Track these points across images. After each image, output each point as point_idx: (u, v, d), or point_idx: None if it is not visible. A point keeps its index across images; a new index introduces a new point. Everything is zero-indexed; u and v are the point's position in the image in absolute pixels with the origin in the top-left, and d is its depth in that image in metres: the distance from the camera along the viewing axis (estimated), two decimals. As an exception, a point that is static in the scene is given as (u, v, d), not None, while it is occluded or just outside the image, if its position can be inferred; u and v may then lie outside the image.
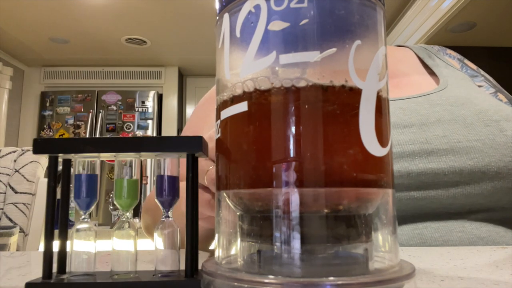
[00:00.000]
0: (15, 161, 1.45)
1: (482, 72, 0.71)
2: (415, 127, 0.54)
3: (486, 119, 0.54)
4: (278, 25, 0.24)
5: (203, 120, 0.66)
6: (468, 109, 0.56)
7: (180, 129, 4.73)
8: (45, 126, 4.48)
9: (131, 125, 4.47)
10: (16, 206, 1.40)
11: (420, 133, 0.53)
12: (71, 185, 0.27)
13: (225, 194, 0.26)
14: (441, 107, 0.56)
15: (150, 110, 4.54)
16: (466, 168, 0.50)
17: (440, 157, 0.51)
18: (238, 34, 0.25)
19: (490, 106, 0.57)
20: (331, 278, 0.21)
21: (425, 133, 0.53)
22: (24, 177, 1.43)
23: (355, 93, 0.23)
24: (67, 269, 0.27)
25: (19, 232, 1.37)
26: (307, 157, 0.22)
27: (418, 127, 0.54)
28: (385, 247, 0.25)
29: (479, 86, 0.65)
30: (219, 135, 0.27)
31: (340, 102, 0.23)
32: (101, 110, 4.50)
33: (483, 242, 0.49)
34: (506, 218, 0.52)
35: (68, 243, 0.26)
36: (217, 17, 0.28)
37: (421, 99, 0.58)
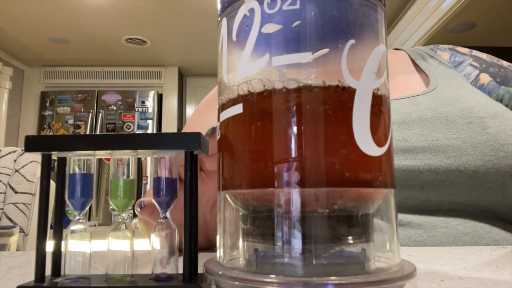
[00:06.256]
0: (15, 161, 1.45)
1: (474, 52, 0.69)
2: (395, 125, 0.54)
3: (470, 116, 0.54)
4: (271, 28, 0.24)
5: (199, 122, 0.67)
6: (453, 106, 0.55)
7: (180, 129, 4.73)
8: (45, 126, 4.48)
9: (131, 125, 4.48)
10: (16, 206, 1.40)
11: (398, 131, 0.53)
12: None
13: (226, 194, 0.26)
14: (424, 105, 0.56)
15: (150, 110, 4.54)
16: (442, 166, 0.50)
17: (416, 155, 0.51)
18: (234, 37, 0.26)
19: (477, 103, 0.56)
20: (333, 278, 0.21)
21: (404, 131, 0.53)
22: (24, 177, 1.43)
23: (349, 93, 0.23)
24: (62, 272, 0.26)
25: (19, 232, 1.37)
26: (301, 157, 0.22)
27: (398, 125, 0.54)
28: (386, 247, 0.25)
29: (464, 75, 0.65)
30: (219, 136, 0.27)
31: (333, 103, 0.23)
32: (101, 110, 4.50)
33: (469, 237, 0.49)
34: (489, 216, 0.52)
35: (63, 244, 0.26)
36: (218, 22, 0.28)
37: (406, 100, 0.58)
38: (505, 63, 0.67)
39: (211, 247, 0.52)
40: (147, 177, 3.81)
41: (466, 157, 0.50)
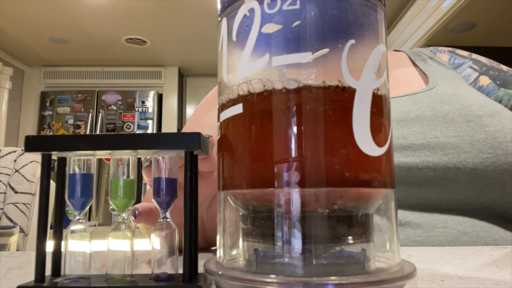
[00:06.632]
0: (15, 161, 1.45)
1: (474, 56, 0.70)
2: (393, 123, 0.54)
3: (468, 114, 0.54)
4: (271, 28, 0.24)
5: (198, 121, 0.67)
6: (451, 105, 0.56)
7: (180, 129, 4.73)
8: (45, 126, 4.48)
9: (131, 125, 4.48)
10: (16, 206, 1.40)
11: (397, 129, 0.53)
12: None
13: (225, 194, 0.26)
14: (423, 104, 0.57)
15: (150, 110, 4.54)
16: (440, 163, 0.50)
17: (414, 152, 0.51)
18: (234, 37, 0.26)
19: (476, 102, 0.56)
20: (333, 278, 0.21)
21: (402, 129, 0.53)
22: (24, 177, 1.43)
23: (349, 93, 0.23)
24: (62, 272, 0.26)
25: (19, 232, 1.37)
26: (301, 157, 0.22)
27: (396, 123, 0.54)
28: (386, 247, 0.25)
29: (463, 76, 0.65)
30: (219, 136, 0.27)
31: (333, 103, 0.23)
32: (101, 110, 4.50)
33: (468, 237, 0.49)
34: (488, 215, 0.52)
35: (63, 244, 0.26)
36: (218, 22, 0.28)
37: (405, 98, 0.58)
38: (504, 68, 0.67)
39: (210, 247, 0.52)
40: (147, 177, 3.80)
41: (464, 154, 0.51)
